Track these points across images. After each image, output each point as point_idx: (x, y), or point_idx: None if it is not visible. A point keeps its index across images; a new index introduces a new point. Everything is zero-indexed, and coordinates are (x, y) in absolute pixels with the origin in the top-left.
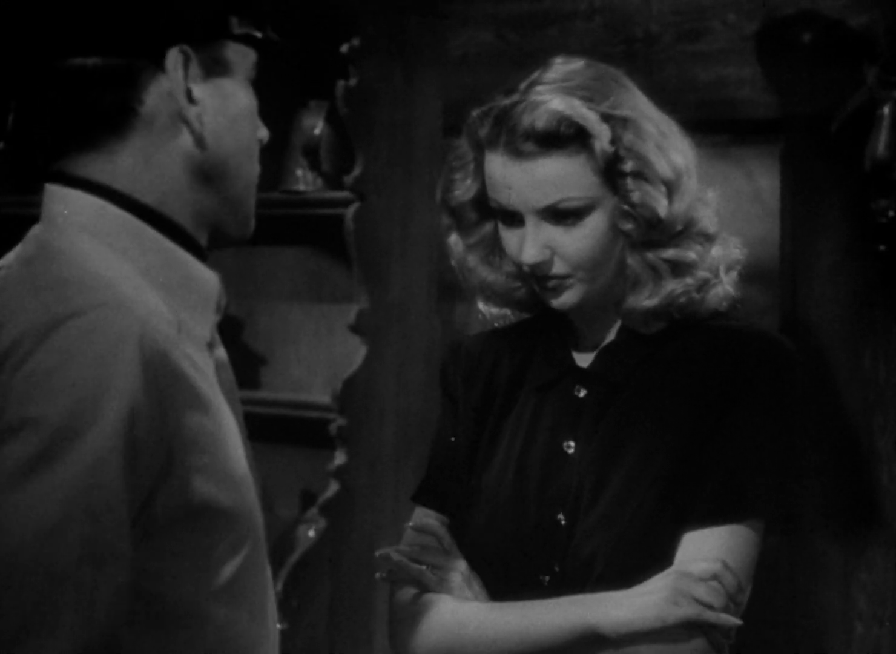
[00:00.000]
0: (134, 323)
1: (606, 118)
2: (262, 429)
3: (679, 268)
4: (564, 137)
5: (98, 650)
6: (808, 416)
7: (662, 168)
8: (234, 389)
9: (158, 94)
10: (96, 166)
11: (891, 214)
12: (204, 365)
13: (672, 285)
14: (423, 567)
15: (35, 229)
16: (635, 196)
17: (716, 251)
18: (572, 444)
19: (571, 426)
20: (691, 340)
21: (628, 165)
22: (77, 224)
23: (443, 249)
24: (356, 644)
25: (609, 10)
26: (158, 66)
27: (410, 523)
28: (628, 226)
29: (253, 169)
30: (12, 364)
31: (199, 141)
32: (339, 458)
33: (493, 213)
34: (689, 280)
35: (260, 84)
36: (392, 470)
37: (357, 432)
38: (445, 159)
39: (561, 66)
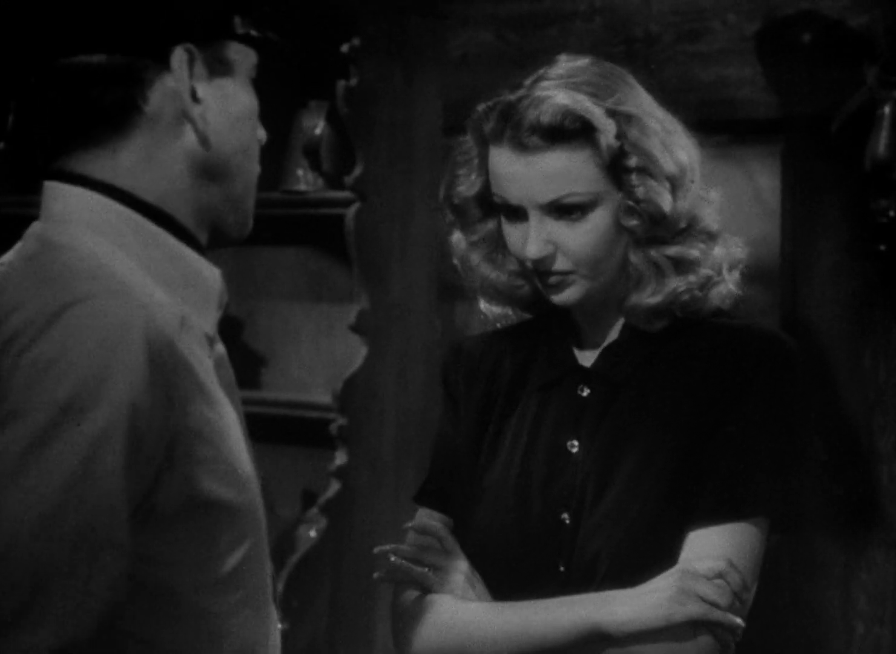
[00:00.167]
0: (139, 311)
1: (611, 114)
2: (263, 429)
3: (682, 265)
4: (569, 131)
5: (91, 640)
6: (811, 414)
7: (667, 164)
8: (234, 386)
9: (163, 92)
10: (98, 164)
11: (891, 213)
12: (205, 361)
13: (675, 283)
14: (425, 569)
15: (35, 227)
16: (639, 191)
17: (718, 249)
18: (576, 443)
19: (575, 425)
20: (694, 338)
21: (633, 161)
22: (78, 220)
23: (443, 248)
24: (357, 644)
25: (609, 10)
26: (163, 64)
27: (410, 524)
28: (632, 222)
29: (253, 169)
30: (16, 350)
31: (203, 139)
32: (340, 458)
33: (496, 210)
34: (691, 278)
35: (260, 84)
36: (393, 470)
37: (358, 432)
38: (449, 156)
39: (566, 63)
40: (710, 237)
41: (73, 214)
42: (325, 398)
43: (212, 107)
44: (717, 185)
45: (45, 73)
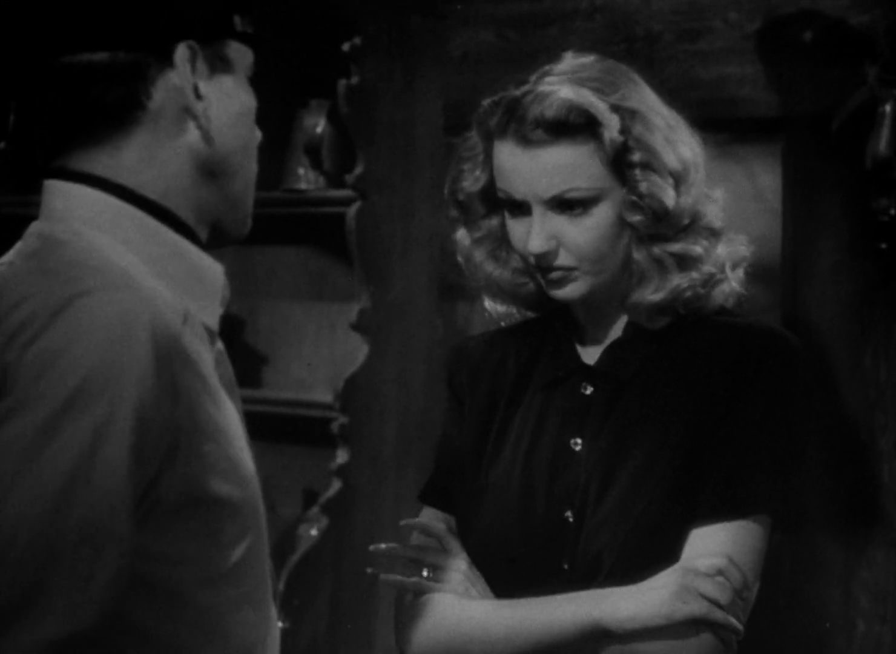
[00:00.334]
0: (145, 304)
1: (616, 109)
2: (264, 428)
3: (685, 262)
4: (573, 125)
5: (93, 632)
6: (813, 412)
7: (670, 160)
8: (234, 383)
9: (166, 89)
10: (99, 161)
11: (892, 212)
12: (207, 358)
13: (678, 280)
14: (424, 570)
15: (35, 226)
16: (643, 186)
17: (722, 247)
18: (579, 441)
19: (578, 424)
20: (697, 336)
21: (636, 156)
22: (79, 218)
23: (444, 247)
24: (357, 643)
25: (610, 9)
26: (167, 61)
27: (407, 521)
28: (636, 218)
29: (252, 168)
30: (22, 342)
31: (206, 136)
32: (341, 456)
33: (500, 206)
34: (694, 275)
35: (261, 83)
36: (394, 468)
37: (359, 431)
38: (450, 155)
39: (572, 60)
40: (714, 234)
41: (74, 211)
42: (326, 397)
43: (214, 104)
44: (718, 183)
45: (47, 72)
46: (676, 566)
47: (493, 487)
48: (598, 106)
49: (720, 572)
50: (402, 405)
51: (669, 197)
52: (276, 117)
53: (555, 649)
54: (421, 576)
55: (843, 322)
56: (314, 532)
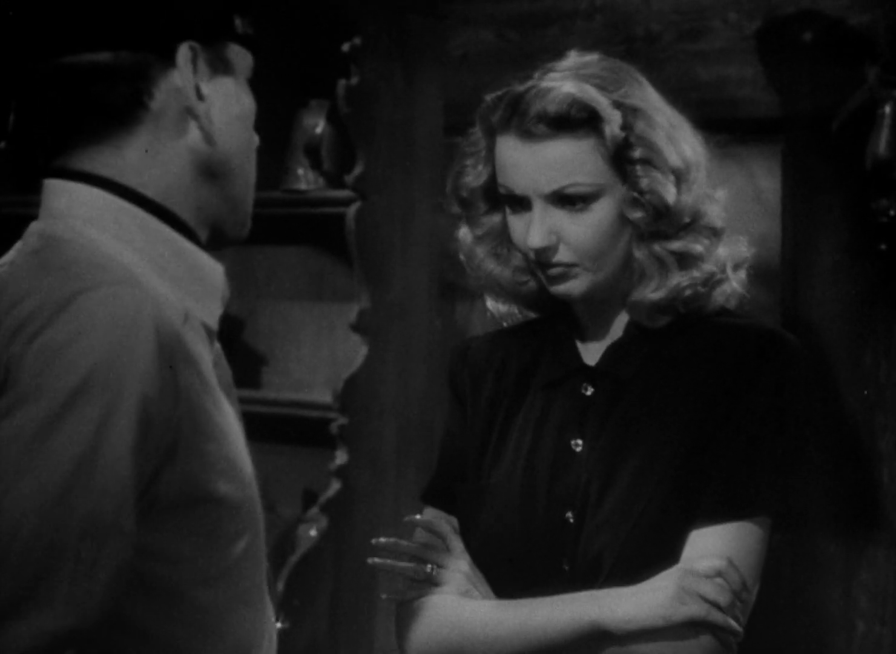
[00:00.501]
0: (148, 301)
1: (618, 105)
2: (264, 428)
3: (685, 260)
4: (575, 120)
5: (94, 626)
6: (814, 413)
7: (672, 157)
8: (232, 385)
9: (168, 89)
10: (101, 161)
11: (892, 213)
12: (206, 358)
13: (678, 278)
14: (427, 567)
15: (35, 225)
16: (644, 183)
17: (723, 248)
18: (580, 442)
19: (579, 424)
20: (697, 336)
21: (637, 152)
22: (80, 216)
23: (444, 248)
24: (357, 643)
25: (610, 9)
26: (169, 61)
27: (409, 518)
28: (637, 214)
29: (252, 170)
30: (27, 336)
31: (207, 137)
32: (341, 457)
33: (502, 203)
34: (695, 273)
35: (261, 83)
36: (393, 469)
37: (358, 432)
38: (450, 155)
39: (576, 57)
40: (715, 234)
41: (74, 210)
42: (325, 398)
43: (215, 105)
44: (718, 184)
45: (49, 71)
46: (676, 568)
47: (494, 487)
48: (601, 101)
49: (719, 573)
50: (401, 406)
51: (670, 194)
52: (276, 117)
53: (555, 649)
54: (423, 572)
55: (843, 323)
56: (314, 533)
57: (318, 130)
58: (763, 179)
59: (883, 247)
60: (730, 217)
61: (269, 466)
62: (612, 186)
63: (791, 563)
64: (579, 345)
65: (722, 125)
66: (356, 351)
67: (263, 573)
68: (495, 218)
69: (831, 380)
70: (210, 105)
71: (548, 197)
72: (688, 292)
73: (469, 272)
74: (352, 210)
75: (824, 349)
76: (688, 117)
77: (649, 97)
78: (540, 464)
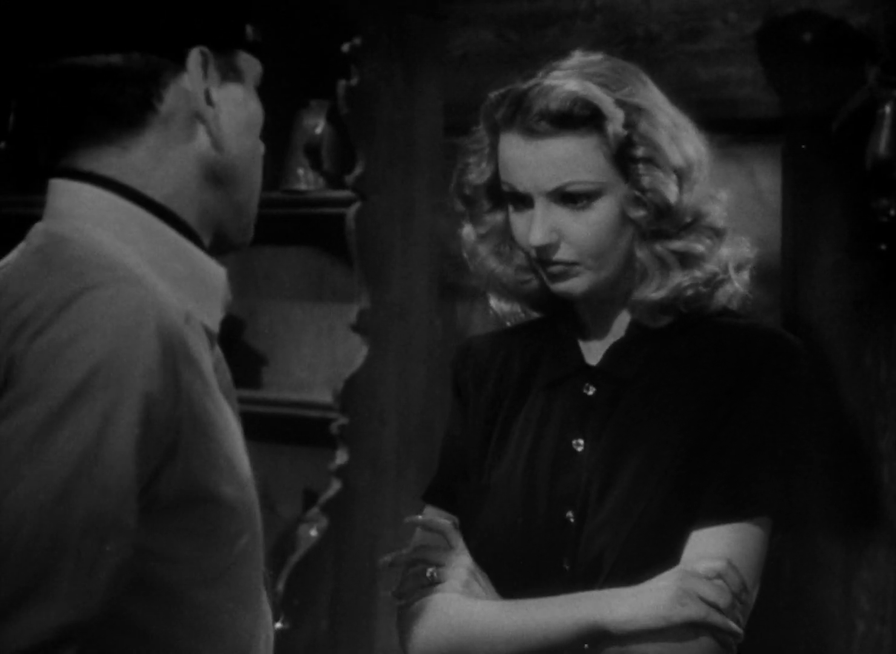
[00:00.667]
0: (151, 299)
1: (621, 104)
2: (264, 428)
3: (687, 260)
4: (578, 118)
5: (95, 623)
6: (815, 414)
7: (674, 156)
8: (232, 389)
9: (178, 93)
10: (107, 161)
11: (892, 213)
12: (207, 360)
13: (680, 278)
14: (429, 569)
15: (39, 225)
16: (646, 181)
17: (725, 248)
18: (581, 442)
19: (580, 424)
20: (699, 336)
21: (640, 151)
22: (84, 216)
23: (444, 248)
24: (358, 643)
25: (610, 9)
26: (180, 65)
27: (412, 518)
28: (638, 213)
29: (258, 177)
30: (29, 334)
31: (215, 142)
32: (341, 457)
33: (505, 201)
34: (697, 273)
35: (260, 84)
36: (393, 469)
37: (358, 432)
38: (458, 149)
39: (580, 57)
40: (717, 234)
41: (78, 209)
42: (325, 398)
43: (224, 111)
44: (718, 184)
45: (59, 71)
46: (676, 569)
47: (496, 487)
48: (604, 99)
49: (719, 575)
50: (401, 406)
51: (672, 193)
52: (276, 117)
53: (555, 650)
54: (425, 575)
55: (843, 322)
56: (314, 533)
57: (319, 130)
58: (763, 179)
59: (883, 247)
60: (730, 217)
61: (270, 466)
62: (614, 184)
63: (791, 562)
64: (581, 344)
65: (722, 125)
66: (356, 351)
67: (261, 575)
68: (498, 216)
69: (831, 380)
70: (219, 111)
71: (550, 194)
72: (689, 292)
73: (471, 270)
74: (352, 210)
75: (824, 349)
76: (688, 118)
77: (653, 97)
78: (541, 463)
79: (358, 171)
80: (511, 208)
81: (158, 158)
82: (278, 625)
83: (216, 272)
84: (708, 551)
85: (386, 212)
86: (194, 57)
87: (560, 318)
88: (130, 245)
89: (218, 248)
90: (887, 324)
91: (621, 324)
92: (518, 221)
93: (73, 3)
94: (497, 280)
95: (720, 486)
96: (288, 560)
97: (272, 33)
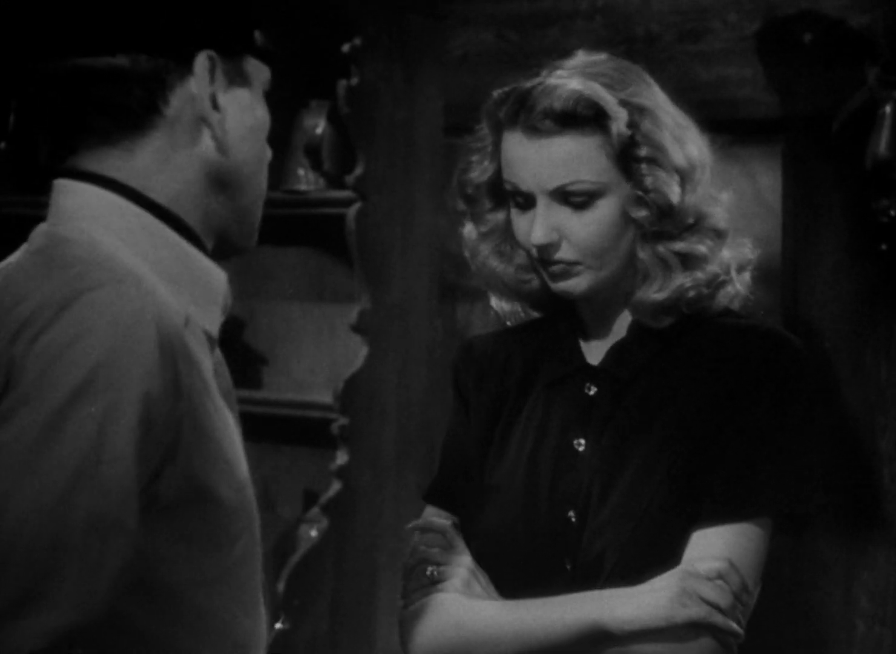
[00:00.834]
0: (150, 300)
1: (625, 104)
2: (264, 429)
3: (689, 261)
4: (582, 117)
5: (98, 624)
6: (817, 414)
7: (677, 157)
8: (232, 392)
9: (183, 96)
10: (111, 163)
11: (892, 213)
12: (206, 363)
13: (682, 279)
14: (429, 568)
15: (43, 225)
16: (648, 181)
17: (727, 249)
18: (582, 441)
19: (581, 424)
20: (701, 337)
21: (643, 151)
22: (86, 217)
23: (444, 248)
24: (358, 643)
25: (610, 9)
26: (187, 68)
27: (413, 524)
28: (641, 213)
29: (263, 181)
30: (29, 336)
31: (220, 147)
32: (341, 457)
33: (506, 200)
34: (699, 274)
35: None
36: (394, 469)
37: (359, 432)
38: (459, 149)
39: (583, 56)
40: (719, 235)
41: (81, 210)
42: (326, 398)
43: (230, 116)
44: (719, 184)
45: (65, 72)
46: (677, 569)
47: (497, 487)
48: (607, 99)
49: (720, 575)
50: (401, 406)
51: (675, 193)
52: (276, 118)
53: (556, 650)
54: (425, 574)
55: (843, 323)
56: (314, 533)
57: (319, 130)
58: (763, 179)
59: (883, 247)
60: (730, 217)
61: (270, 466)
62: (616, 184)
63: (792, 563)
64: (582, 344)
65: (722, 126)
66: (356, 352)
67: (259, 579)
68: (500, 215)
69: (832, 380)
70: (225, 115)
71: (552, 194)
72: (691, 293)
73: (473, 269)
74: (352, 211)
75: (824, 350)
76: (688, 117)
77: (656, 97)
78: (542, 463)
79: (358, 171)
80: (513, 207)
81: (163, 161)
82: (278, 625)
83: (217, 276)
84: (709, 551)
85: (386, 212)
86: (201, 61)
87: (561, 317)
88: (132, 247)
89: (221, 251)
90: (887, 324)
91: (623, 324)
92: (519, 219)
93: (81, 3)
94: (498, 279)
95: (721, 486)
96: (288, 560)
97: (272, 34)
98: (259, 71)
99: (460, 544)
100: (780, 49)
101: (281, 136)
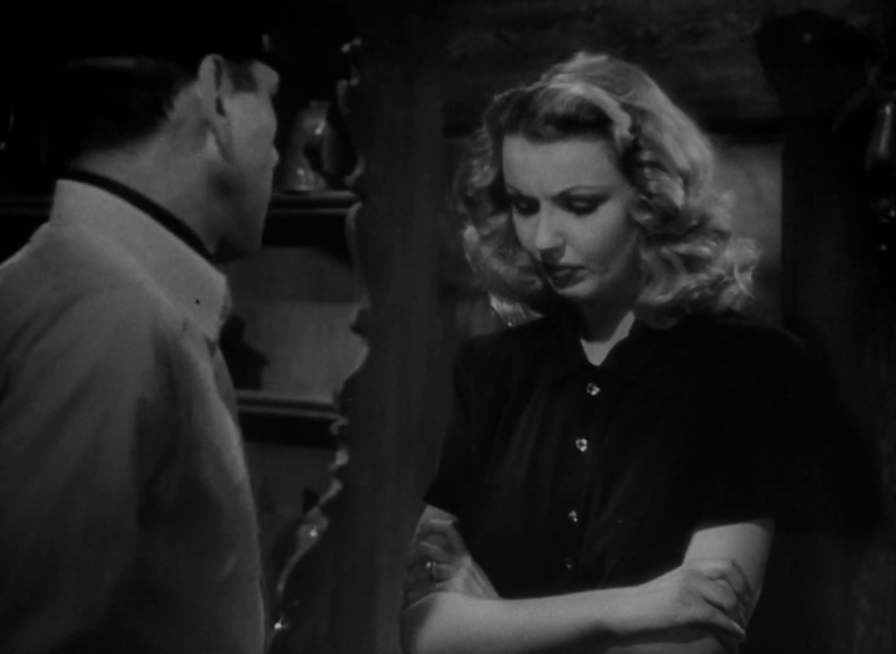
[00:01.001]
0: (146, 305)
1: (626, 108)
2: (264, 429)
3: (693, 263)
4: (584, 122)
5: (99, 632)
6: (818, 415)
7: (680, 160)
8: (232, 396)
9: (188, 100)
10: (114, 165)
11: (892, 213)
12: (204, 367)
13: (686, 281)
14: (427, 564)
15: (45, 226)
16: (652, 186)
17: (730, 250)
18: (584, 442)
19: (583, 424)
20: (703, 337)
21: (646, 155)
22: (87, 218)
23: (444, 248)
24: (358, 644)
25: (610, 10)
26: (192, 72)
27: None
28: (644, 217)
29: (267, 186)
30: (25, 342)
31: (224, 151)
32: (341, 458)
33: (508, 203)
34: (702, 276)
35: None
36: (394, 470)
37: (358, 432)
38: (461, 151)
39: (584, 59)
40: (721, 236)
41: (82, 211)
42: (325, 398)
43: (235, 120)
44: (719, 185)
45: (70, 72)
46: (680, 569)
47: (499, 487)
48: (609, 104)
49: (723, 576)
50: (401, 406)
51: (678, 197)
52: (275, 118)
53: (558, 649)
54: (425, 570)
55: (843, 323)
56: (314, 533)
57: (319, 130)
58: (763, 179)
59: (883, 247)
60: (732, 218)
61: (270, 466)
62: (619, 188)
63: (792, 563)
64: (584, 345)
65: (722, 126)
66: (356, 352)
67: (258, 583)
68: (501, 218)
69: (832, 380)
70: (230, 120)
71: (555, 199)
72: (695, 295)
73: (474, 272)
74: (352, 211)
75: (824, 350)
76: (689, 118)
77: (657, 99)
78: (544, 463)
79: (358, 171)
80: (515, 211)
81: (166, 164)
82: (278, 625)
83: (216, 280)
84: (711, 551)
85: (386, 212)
86: (207, 65)
87: (563, 318)
88: (131, 250)
89: (224, 254)
90: (887, 324)
91: (625, 325)
92: (523, 225)
93: (87, 4)
94: (500, 282)
95: (723, 486)
96: (288, 561)
97: (272, 33)
98: (266, 75)
99: (461, 544)
100: (780, 49)
101: (281, 136)
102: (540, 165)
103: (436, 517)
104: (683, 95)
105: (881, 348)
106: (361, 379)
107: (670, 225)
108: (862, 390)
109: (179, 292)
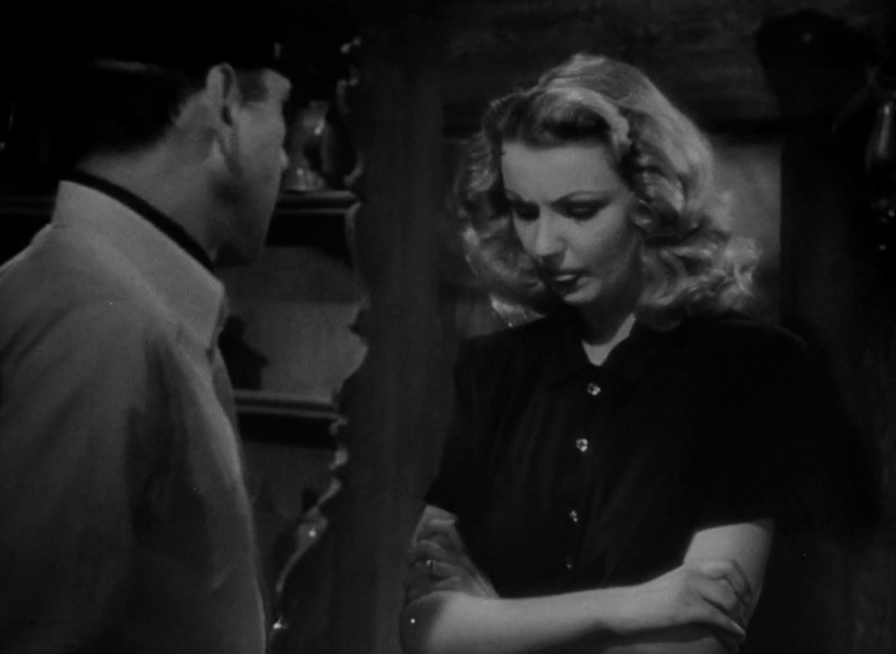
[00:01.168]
0: (138, 315)
1: (624, 112)
2: (263, 429)
3: (694, 265)
4: (582, 128)
5: (96, 646)
6: (819, 415)
7: (679, 163)
8: (231, 400)
9: (195, 108)
10: (118, 170)
11: (891, 213)
12: (202, 374)
13: (687, 283)
14: (427, 562)
15: (47, 228)
16: (651, 190)
17: (730, 251)
18: (585, 442)
19: (584, 424)
20: (704, 338)
21: (645, 160)
22: (88, 222)
23: (444, 248)
24: (357, 644)
25: (609, 10)
26: (199, 81)
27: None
28: (644, 221)
29: (272, 194)
30: (17, 353)
31: (229, 161)
32: (340, 458)
33: (508, 207)
34: (703, 278)
35: None
36: (393, 469)
37: (358, 432)
38: (460, 153)
39: (581, 62)
40: (722, 237)
41: (82, 214)
42: (325, 398)
43: (242, 129)
44: (719, 185)
45: (78, 75)
46: (681, 569)
47: (499, 487)
48: (607, 109)
49: (724, 576)
50: (401, 406)
51: (678, 201)
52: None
53: (558, 649)
54: (425, 566)
55: (842, 323)
56: (313, 533)
57: (318, 130)
58: (762, 179)
59: (883, 247)
60: (732, 219)
61: (269, 466)
62: (618, 192)
63: (791, 563)
64: (585, 345)
65: (722, 126)
66: (356, 352)
67: (256, 587)
68: (502, 222)
69: (831, 380)
70: (236, 129)
71: (554, 205)
72: (696, 297)
73: (475, 274)
74: (351, 211)
75: (824, 350)
76: (688, 119)
77: (655, 102)
78: (545, 463)
79: (357, 171)
80: (516, 216)
81: (170, 171)
82: (277, 625)
83: (214, 288)
84: (712, 551)
85: (386, 212)
86: (215, 74)
87: (564, 319)
88: (129, 256)
89: (227, 260)
90: (887, 324)
91: (626, 325)
92: (524, 229)
93: (98, 8)
94: (501, 284)
95: (724, 487)
96: (287, 561)
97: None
98: (277, 83)
99: (461, 544)
100: (780, 49)
101: None
102: (539, 171)
103: (437, 517)
104: (683, 96)
105: (880, 348)
106: (361, 379)
107: (670, 228)
108: (862, 390)
109: (175, 299)
